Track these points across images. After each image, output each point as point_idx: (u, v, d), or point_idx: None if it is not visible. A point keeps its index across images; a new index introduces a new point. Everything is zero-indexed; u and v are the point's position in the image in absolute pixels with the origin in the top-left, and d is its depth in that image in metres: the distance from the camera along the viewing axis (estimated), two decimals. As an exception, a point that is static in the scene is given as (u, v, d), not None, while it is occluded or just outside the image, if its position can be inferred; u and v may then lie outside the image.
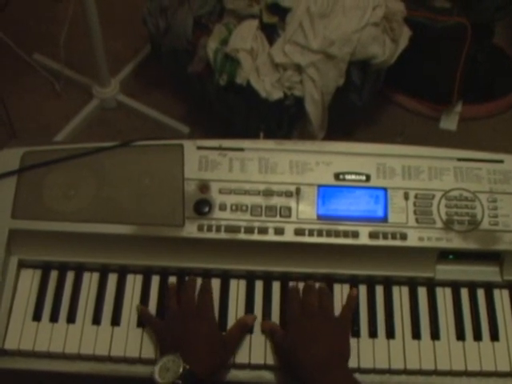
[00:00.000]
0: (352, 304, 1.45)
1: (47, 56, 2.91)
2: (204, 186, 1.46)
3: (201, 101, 2.62)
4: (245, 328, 1.41)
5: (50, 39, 2.88)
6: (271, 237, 1.43)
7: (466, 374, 1.40)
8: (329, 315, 1.42)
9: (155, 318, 1.43)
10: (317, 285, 1.47)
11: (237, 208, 1.44)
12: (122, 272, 1.49)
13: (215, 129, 2.65)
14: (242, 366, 1.40)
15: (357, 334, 1.43)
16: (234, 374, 1.40)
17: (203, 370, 1.29)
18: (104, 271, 1.49)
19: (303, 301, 1.43)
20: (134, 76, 2.91)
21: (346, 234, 1.43)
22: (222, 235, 1.43)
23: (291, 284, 1.48)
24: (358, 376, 1.38)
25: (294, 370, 1.33)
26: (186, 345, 1.32)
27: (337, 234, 1.43)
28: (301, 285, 1.48)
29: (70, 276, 1.49)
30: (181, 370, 1.25)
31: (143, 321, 1.44)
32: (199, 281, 1.47)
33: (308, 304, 1.42)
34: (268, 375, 1.40)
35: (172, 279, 1.48)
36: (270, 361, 1.39)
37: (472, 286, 1.48)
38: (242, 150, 1.49)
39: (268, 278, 1.48)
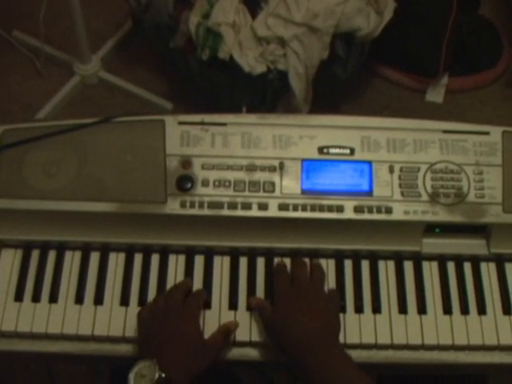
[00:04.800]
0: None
1: (27, 33, 2.88)
2: (186, 162, 1.44)
3: (184, 76, 2.60)
4: (228, 335, 1.38)
5: (30, 16, 2.85)
6: (255, 212, 1.41)
7: (453, 348, 1.39)
8: (320, 289, 1.39)
9: (144, 310, 1.39)
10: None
11: (220, 184, 1.43)
12: (105, 250, 1.47)
13: (199, 104, 2.63)
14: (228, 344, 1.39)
15: (343, 310, 1.41)
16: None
17: (181, 376, 1.26)
18: (86, 250, 1.47)
19: (293, 274, 1.41)
20: (115, 52, 2.89)
21: (330, 209, 1.42)
22: (205, 211, 1.41)
23: (277, 259, 1.46)
24: (344, 352, 1.38)
25: (284, 347, 1.31)
26: (165, 348, 1.29)
27: (321, 208, 1.42)
28: (287, 261, 1.46)
29: (51, 255, 1.47)
30: (156, 376, 1.23)
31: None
32: (190, 285, 1.44)
33: (298, 277, 1.40)
34: (253, 352, 1.39)
35: (155, 260, 1.46)
36: (256, 338, 1.38)
37: (459, 260, 1.47)
38: (224, 124, 1.47)
39: (252, 254, 1.46)
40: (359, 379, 1.25)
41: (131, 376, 1.24)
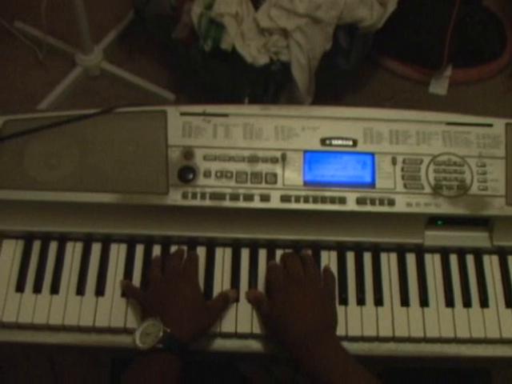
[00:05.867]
0: (331, 270, 1.43)
1: (29, 24, 2.87)
2: (188, 153, 1.43)
3: (186, 67, 2.59)
4: (226, 300, 1.39)
5: (32, 6, 2.83)
6: (257, 204, 1.41)
7: (455, 340, 1.39)
8: (315, 281, 1.39)
9: (139, 290, 1.40)
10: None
11: (222, 175, 1.42)
12: (106, 241, 1.47)
13: (201, 96, 2.63)
14: (229, 335, 1.38)
15: (344, 302, 1.41)
16: (221, 343, 1.39)
17: (184, 333, 1.27)
18: (87, 241, 1.47)
19: (287, 267, 1.40)
20: (117, 43, 2.88)
21: (332, 200, 1.41)
22: (207, 203, 1.41)
23: (271, 262, 1.45)
24: (346, 344, 1.37)
25: (282, 340, 1.31)
26: (167, 308, 1.30)
27: (323, 200, 1.41)
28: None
29: (53, 246, 1.47)
30: (161, 333, 1.24)
31: (128, 295, 1.41)
32: (185, 252, 1.45)
33: (292, 270, 1.39)
34: (254, 344, 1.38)
35: (156, 251, 1.46)
36: (257, 330, 1.37)
37: (461, 252, 1.47)
38: (226, 115, 1.46)
39: (254, 246, 1.46)
40: (356, 371, 1.25)
41: (137, 334, 1.26)
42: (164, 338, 1.24)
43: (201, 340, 1.36)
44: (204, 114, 1.46)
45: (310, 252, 1.45)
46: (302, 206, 1.41)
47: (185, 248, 1.46)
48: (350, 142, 1.45)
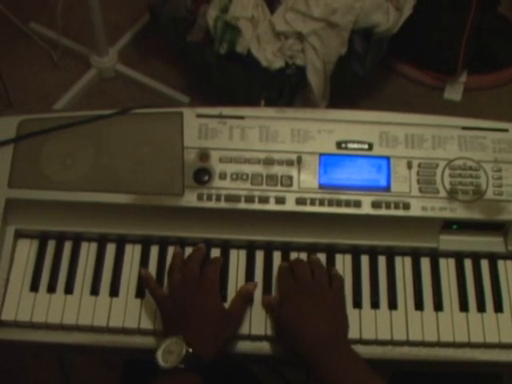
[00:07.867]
0: (339, 274, 1.42)
1: (44, 25, 2.88)
2: (204, 155, 1.44)
3: (201, 70, 2.60)
4: (247, 297, 1.38)
5: (47, 7, 2.85)
6: (272, 206, 1.41)
7: (469, 345, 1.38)
8: (324, 287, 1.37)
9: (160, 291, 1.38)
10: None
11: (237, 177, 1.42)
12: (121, 242, 1.47)
13: (215, 99, 2.63)
14: (242, 337, 1.38)
15: (358, 305, 1.40)
16: (234, 345, 1.38)
17: (207, 351, 1.26)
18: (102, 241, 1.47)
19: (296, 274, 1.38)
20: (132, 45, 2.89)
21: (348, 204, 1.41)
22: (222, 204, 1.41)
23: (280, 266, 1.44)
24: (359, 347, 1.36)
25: (293, 349, 1.30)
26: (188, 324, 1.28)
27: (339, 203, 1.41)
28: (303, 256, 1.45)
29: (67, 246, 1.47)
30: (183, 352, 1.22)
31: (146, 288, 1.40)
32: (203, 250, 1.43)
33: (301, 277, 1.37)
34: (268, 346, 1.38)
35: (171, 252, 1.45)
36: (271, 332, 1.37)
37: (476, 257, 1.46)
38: (242, 118, 1.47)
39: (269, 248, 1.46)
40: (370, 378, 1.24)
41: (159, 353, 1.24)
42: (186, 358, 1.22)
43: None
44: (220, 116, 1.47)
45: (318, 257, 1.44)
46: (317, 208, 1.41)
47: (205, 248, 1.44)
48: (366, 146, 1.45)
